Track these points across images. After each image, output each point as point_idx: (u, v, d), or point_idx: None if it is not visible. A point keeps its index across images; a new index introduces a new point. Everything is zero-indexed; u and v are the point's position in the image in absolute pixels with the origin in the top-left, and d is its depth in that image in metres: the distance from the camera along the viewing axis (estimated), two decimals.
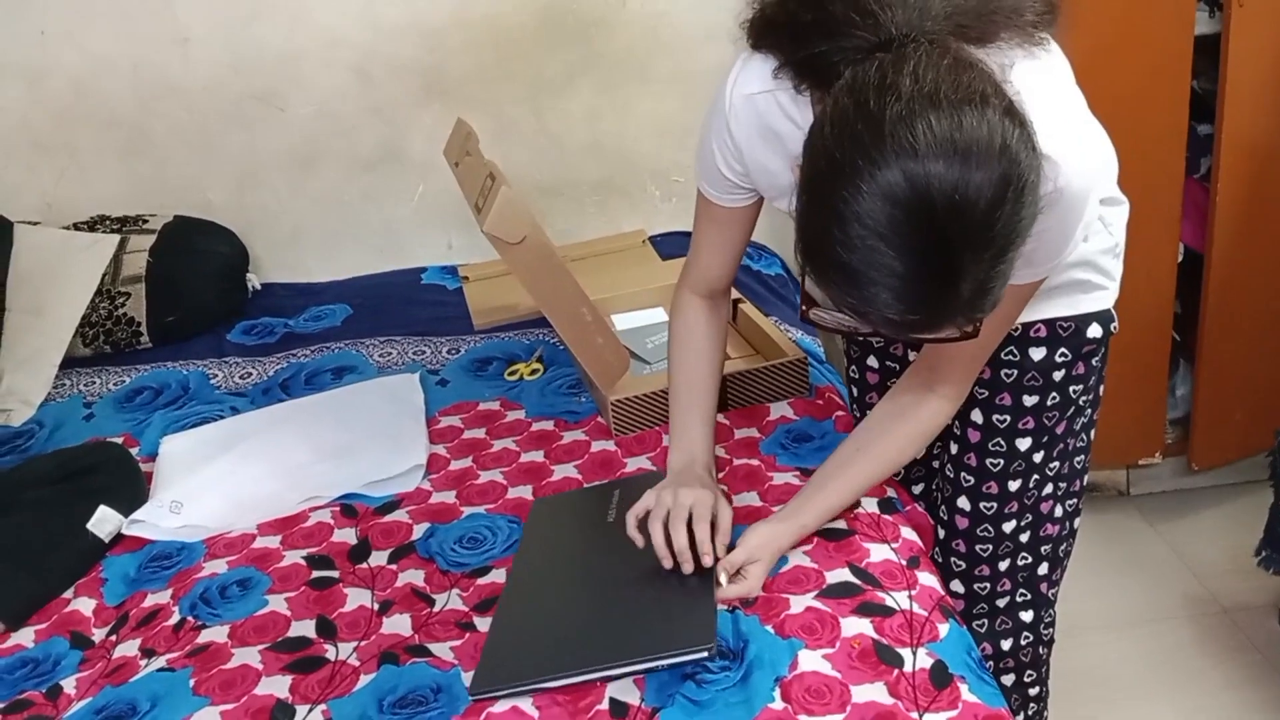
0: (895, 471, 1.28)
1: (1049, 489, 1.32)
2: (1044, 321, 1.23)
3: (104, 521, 1.36)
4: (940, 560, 1.38)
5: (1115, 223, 1.24)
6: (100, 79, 2.08)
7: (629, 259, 2.09)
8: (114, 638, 1.23)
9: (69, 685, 1.16)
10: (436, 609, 1.22)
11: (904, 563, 1.20)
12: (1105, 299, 1.25)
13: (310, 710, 1.08)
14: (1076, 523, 1.41)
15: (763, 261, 2.14)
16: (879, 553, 1.21)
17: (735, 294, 1.81)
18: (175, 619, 1.23)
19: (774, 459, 1.42)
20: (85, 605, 1.29)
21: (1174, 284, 2.09)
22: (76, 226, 2.03)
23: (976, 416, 1.29)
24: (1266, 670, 1.88)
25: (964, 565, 1.37)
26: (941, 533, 1.37)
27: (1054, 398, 1.26)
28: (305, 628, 1.20)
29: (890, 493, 1.33)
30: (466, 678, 1.10)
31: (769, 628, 1.11)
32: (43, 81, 2.07)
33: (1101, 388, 1.33)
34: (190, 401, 1.76)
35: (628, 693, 1.05)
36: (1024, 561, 1.36)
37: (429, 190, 2.20)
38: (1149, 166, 1.97)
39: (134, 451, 1.59)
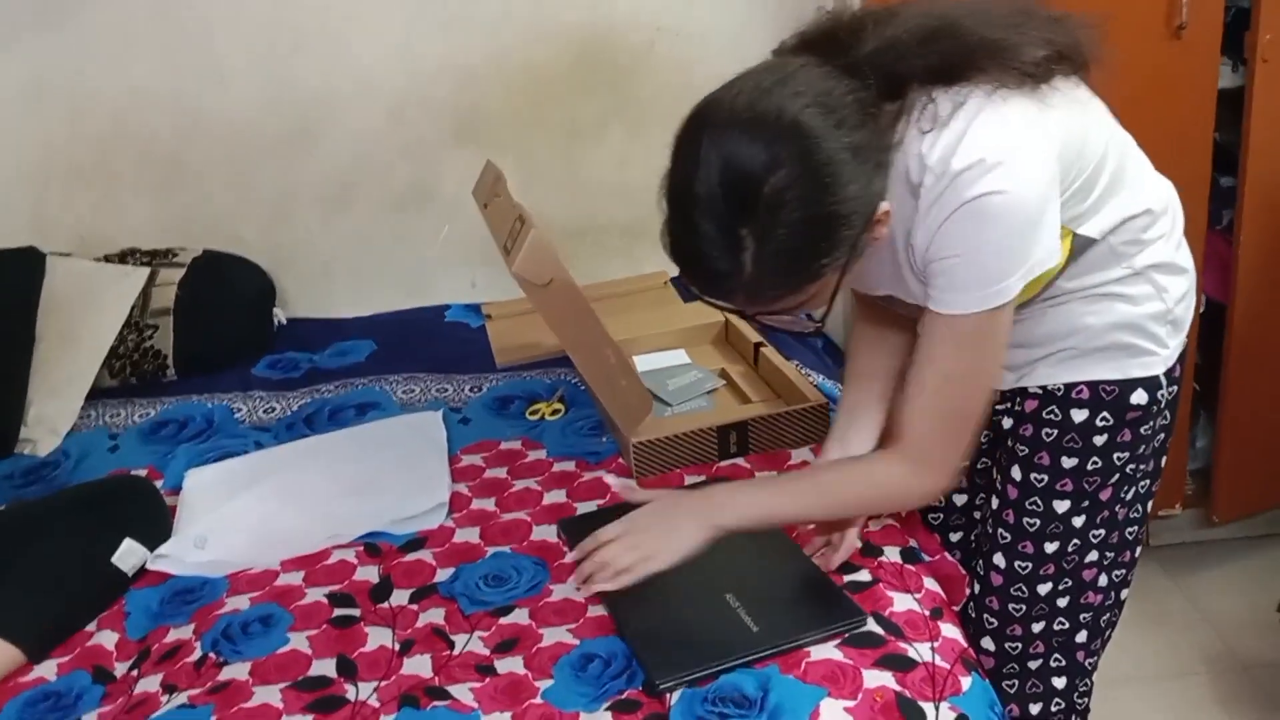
0: (837, 514, 1.23)
1: (1093, 556, 1.30)
2: (1086, 383, 1.22)
3: (128, 555, 1.37)
4: (974, 615, 1.37)
5: (1171, 290, 1.23)
6: (139, 111, 2.11)
7: (651, 300, 2.10)
8: (136, 673, 1.23)
9: None
10: (456, 651, 1.22)
11: (927, 613, 1.20)
12: (1154, 365, 1.23)
13: None
14: (1124, 594, 1.39)
15: None
16: (902, 602, 1.21)
17: (757, 338, 1.83)
18: (197, 655, 1.24)
19: None
20: (108, 639, 1.29)
21: (1196, 335, 2.09)
22: (107, 259, 2.06)
23: (1015, 473, 1.29)
24: None
25: (996, 623, 1.35)
26: (977, 588, 1.36)
27: (1095, 462, 1.25)
28: (326, 667, 1.20)
29: (912, 542, 1.33)
30: (494, 719, 1.10)
31: (791, 676, 1.11)
32: (81, 113, 2.11)
33: (1162, 460, 1.31)
34: (215, 435, 1.78)
35: None
36: (1060, 627, 1.34)
37: (454, 229, 2.23)
38: None
39: (158, 484, 1.60)
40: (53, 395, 1.83)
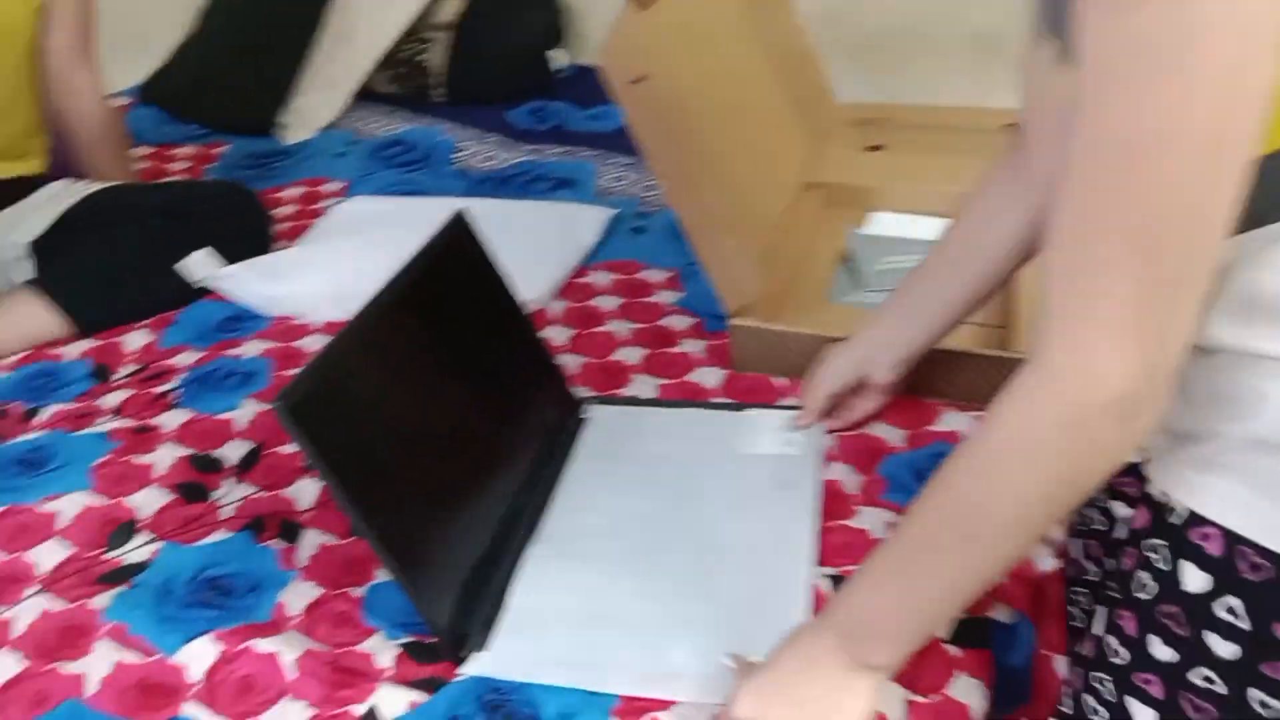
0: (1005, 539, 0.64)
1: None
2: (1222, 530, 0.64)
3: (197, 265, 1.32)
4: None
5: None
6: None
7: (964, 145, 1.55)
8: (125, 380, 1.20)
9: (46, 413, 1.15)
10: None
11: None
12: None
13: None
14: None
15: None
16: None
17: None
18: (166, 388, 1.18)
19: (884, 484, 0.98)
20: (136, 340, 1.28)
21: None
22: None
23: (1097, 623, 0.76)
24: None
25: None
26: None
27: (1208, 678, 0.66)
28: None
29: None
30: None
31: None
32: None
33: None
34: (420, 167, 1.67)
35: None
36: None
37: None
38: None
39: (342, 198, 1.56)
40: (317, 89, 1.83)
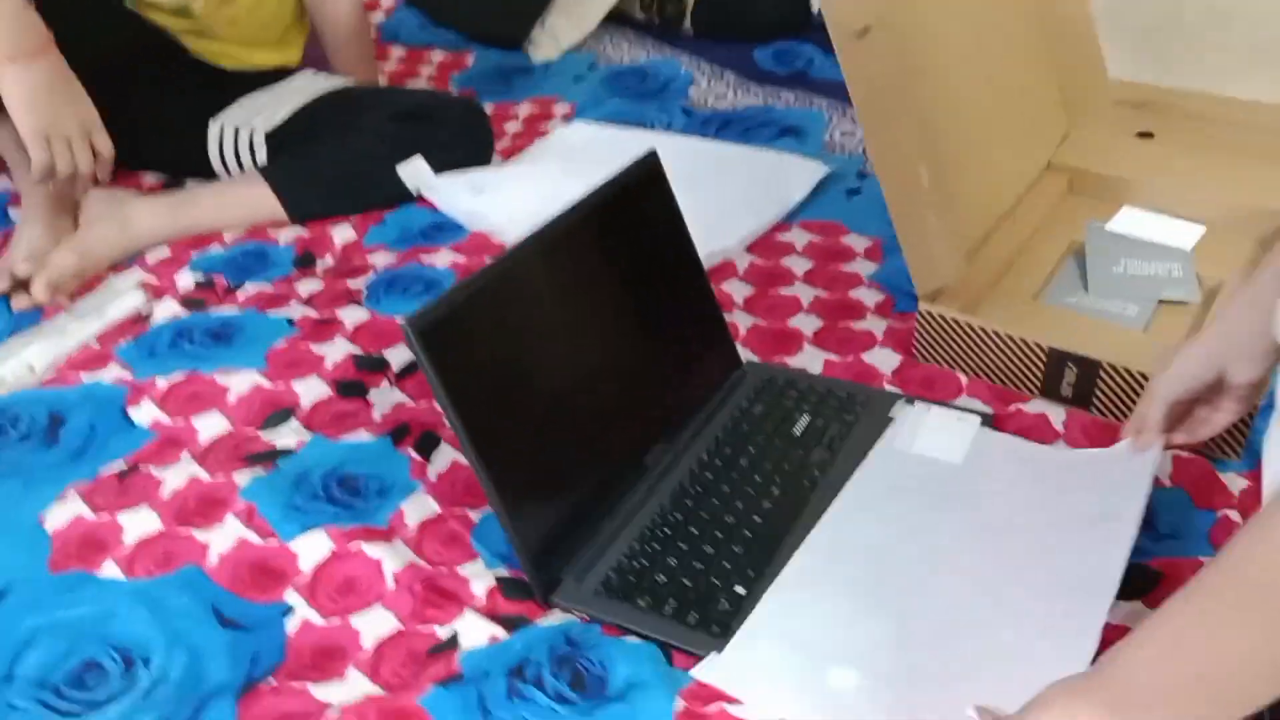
0: None
1: None
2: None
3: (413, 173, 1.35)
4: None
5: None
6: None
7: (1250, 145, 1.33)
8: (318, 270, 1.26)
9: (247, 290, 1.22)
10: None
11: None
12: None
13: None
14: None
15: None
16: None
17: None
18: (355, 284, 1.22)
19: None
20: (344, 233, 1.32)
21: None
22: None
23: None
24: None
25: None
26: None
27: None
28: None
29: None
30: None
31: None
32: None
33: None
34: (653, 100, 1.64)
35: None
36: None
37: None
38: None
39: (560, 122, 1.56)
40: (569, 10, 1.82)
